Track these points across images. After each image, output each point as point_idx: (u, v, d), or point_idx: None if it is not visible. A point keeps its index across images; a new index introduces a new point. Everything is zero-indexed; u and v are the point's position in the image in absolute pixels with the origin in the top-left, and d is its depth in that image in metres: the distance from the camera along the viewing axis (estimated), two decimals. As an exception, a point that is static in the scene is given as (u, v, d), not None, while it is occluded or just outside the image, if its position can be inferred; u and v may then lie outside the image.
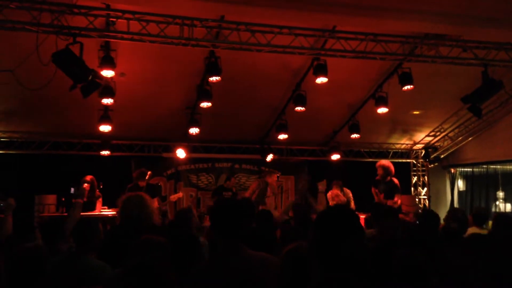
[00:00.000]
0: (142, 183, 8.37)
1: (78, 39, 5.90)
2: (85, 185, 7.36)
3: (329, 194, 9.16)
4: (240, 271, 2.57)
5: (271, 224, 5.19)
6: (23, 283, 2.78)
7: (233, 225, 2.66)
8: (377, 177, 8.94)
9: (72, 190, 8.04)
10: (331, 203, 9.13)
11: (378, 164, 8.96)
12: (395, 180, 8.80)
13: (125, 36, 6.29)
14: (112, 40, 6.61)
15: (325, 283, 1.89)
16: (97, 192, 8.27)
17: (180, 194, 9.51)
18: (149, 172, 8.54)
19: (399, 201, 8.59)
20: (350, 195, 9.62)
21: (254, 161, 11.41)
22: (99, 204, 8.39)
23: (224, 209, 2.75)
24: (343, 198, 8.97)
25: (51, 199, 8.97)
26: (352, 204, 9.38)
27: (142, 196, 3.97)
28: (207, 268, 2.70)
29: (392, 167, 8.77)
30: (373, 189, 9.00)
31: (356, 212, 2.18)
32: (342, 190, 9.25)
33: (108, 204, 8.60)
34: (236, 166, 11.46)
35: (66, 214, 8.28)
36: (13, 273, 2.77)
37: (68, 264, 3.34)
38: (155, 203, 8.37)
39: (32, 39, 5.65)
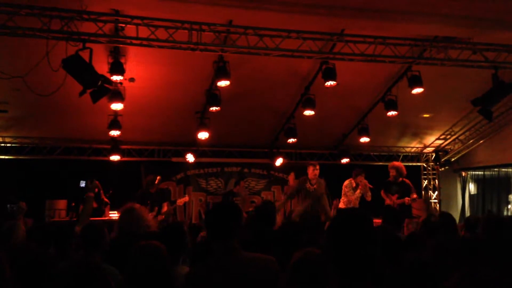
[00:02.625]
0: (152, 189, 8.39)
1: (88, 45, 5.95)
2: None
3: (346, 182, 9.10)
4: (235, 271, 2.63)
5: None
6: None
7: (227, 227, 2.74)
8: (389, 179, 8.96)
9: (83, 183, 8.03)
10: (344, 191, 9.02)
11: (390, 165, 9.13)
12: (407, 181, 8.88)
13: (134, 41, 6.34)
14: (121, 45, 6.66)
15: None
16: (105, 199, 8.29)
17: (186, 198, 9.47)
18: (158, 177, 8.56)
19: (417, 197, 8.89)
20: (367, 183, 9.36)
21: (263, 165, 11.40)
22: (107, 211, 8.43)
23: (218, 211, 2.86)
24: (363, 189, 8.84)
25: (62, 204, 9.05)
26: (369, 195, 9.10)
27: (137, 207, 4.07)
28: (203, 268, 2.75)
29: (404, 168, 8.98)
30: (382, 192, 8.98)
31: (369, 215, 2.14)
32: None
33: (117, 208, 8.63)
34: (245, 170, 11.44)
35: (75, 219, 8.36)
36: (17, 277, 2.78)
37: (78, 269, 3.35)
38: (164, 208, 8.41)
39: (42, 45, 5.72)
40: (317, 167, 8.37)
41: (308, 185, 8.26)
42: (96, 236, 3.48)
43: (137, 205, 4.30)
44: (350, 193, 8.95)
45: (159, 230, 4.30)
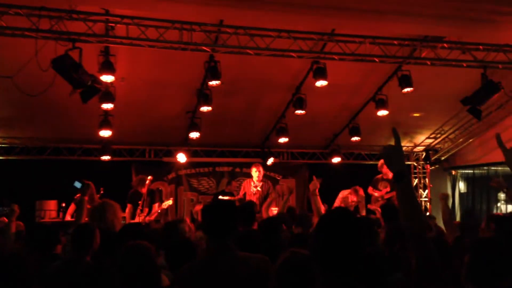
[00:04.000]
0: (142, 190, 8.36)
1: (77, 44, 5.93)
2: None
3: (340, 195, 9.31)
4: (228, 271, 2.62)
5: None
6: None
7: (223, 225, 2.73)
8: (379, 176, 8.97)
9: (78, 184, 7.91)
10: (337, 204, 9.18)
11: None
12: None
13: (124, 41, 6.32)
14: (111, 45, 6.63)
15: None
16: (98, 200, 8.22)
17: (170, 202, 9.28)
18: (150, 177, 8.53)
19: None
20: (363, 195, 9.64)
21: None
22: None
23: (215, 209, 2.84)
24: (351, 202, 9.00)
25: (52, 204, 8.98)
26: (362, 208, 9.38)
27: (106, 205, 4.05)
28: (196, 267, 2.74)
29: None
30: (370, 189, 9.01)
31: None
32: (356, 193, 9.30)
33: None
34: (237, 170, 11.41)
35: (66, 220, 8.31)
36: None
37: (68, 269, 3.35)
38: (154, 208, 8.37)
39: (31, 45, 5.68)
40: (260, 168, 8.39)
41: (252, 187, 8.28)
42: (87, 237, 3.47)
43: (109, 201, 4.27)
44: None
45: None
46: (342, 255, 1.88)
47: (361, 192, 9.30)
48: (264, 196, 8.22)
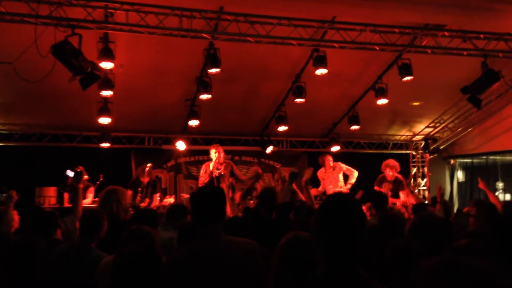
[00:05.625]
0: (143, 178, 8.37)
1: (77, 31, 5.90)
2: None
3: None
4: (218, 256, 2.62)
5: None
6: (18, 275, 2.79)
7: (212, 211, 2.73)
8: (383, 175, 8.87)
9: (70, 173, 7.90)
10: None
11: (390, 164, 8.83)
12: (400, 177, 8.83)
13: (124, 27, 6.29)
14: (111, 31, 6.60)
15: (331, 272, 1.87)
16: (85, 182, 8.20)
17: (172, 200, 9.23)
18: (149, 164, 8.55)
19: (405, 198, 8.42)
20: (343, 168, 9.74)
21: (254, 153, 11.41)
22: (90, 193, 8.37)
23: (203, 195, 2.84)
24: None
25: (51, 191, 8.98)
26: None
27: (118, 190, 4.08)
28: (186, 253, 2.74)
29: (398, 166, 8.90)
30: (377, 188, 8.91)
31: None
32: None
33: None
34: (236, 158, 11.42)
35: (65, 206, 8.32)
36: (6, 265, 2.79)
37: (74, 255, 3.38)
38: (154, 199, 8.39)
39: (31, 31, 5.64)
40: (220, 148, 8.14)
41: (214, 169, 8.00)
42: (94, 223, 3.50)
43: (118, 187, 4.30)
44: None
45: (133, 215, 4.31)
46: (343, 238, 1.90)
47: None
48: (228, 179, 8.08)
